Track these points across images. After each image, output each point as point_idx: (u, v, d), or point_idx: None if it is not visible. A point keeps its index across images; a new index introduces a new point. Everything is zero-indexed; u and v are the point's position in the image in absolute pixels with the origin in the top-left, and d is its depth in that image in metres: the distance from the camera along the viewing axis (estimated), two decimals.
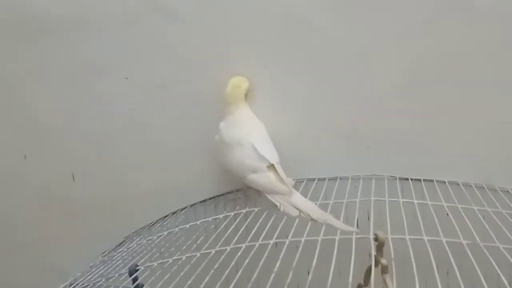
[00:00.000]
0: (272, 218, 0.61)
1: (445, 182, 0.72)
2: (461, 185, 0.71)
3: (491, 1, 0.69)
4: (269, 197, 0.65)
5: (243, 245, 0.53)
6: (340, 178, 0.75)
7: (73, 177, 0.87)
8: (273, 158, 0.68)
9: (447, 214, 0.60)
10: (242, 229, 0.59)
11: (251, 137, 0.69)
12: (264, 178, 0.66)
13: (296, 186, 0.71)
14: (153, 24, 0.78)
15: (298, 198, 0.64)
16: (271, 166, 0.67)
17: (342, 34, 0.74)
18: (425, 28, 0.72)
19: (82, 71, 0.82)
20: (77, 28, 0.80)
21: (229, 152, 0.70)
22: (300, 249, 0.50)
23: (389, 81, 0.74)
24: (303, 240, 0.51)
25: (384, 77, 0.74)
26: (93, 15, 0.79)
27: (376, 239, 0.48)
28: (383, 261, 0.47)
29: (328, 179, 0.75)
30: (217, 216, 0.68)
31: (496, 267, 0.44)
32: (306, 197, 0.67)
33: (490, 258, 0.46)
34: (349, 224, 0.56)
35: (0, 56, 0.83)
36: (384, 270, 0.46)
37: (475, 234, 0.52)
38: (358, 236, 0.52)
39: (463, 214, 0.59)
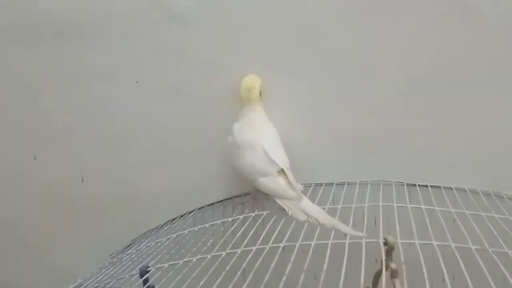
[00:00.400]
0: (281, 222, 0.61)
1: (452, 189, 0.72)
2: (468, 192, 0.71)
3: (493, 4, 0.70)
4: (278, 201, 0.65)
5: (254, 248, 0.53)
6: (348, 183, 0.76)
7: (82, 179, 0.87)
8: (284, 163, 0.68)
9: (454, 220, 0.61)
10: (251, 232, 0.60)
11: (263, 140, 0.69)
12: (274, 183, 0.66)
13: (303, 191, 0.71)
14: (164, 28, 0.78)
15: (306, 204, 0.64)
16: (282, 171, 0.67)
17: (351, 40, 0.75)
18: (432, 32, 0.72)
19: (92, 74, 0.82)
20: (88, 31, 0.81)
21: (240, 154, 0.70)
22: (310, 253, 0.50)
23: (397, 87, 0.75)
24: (313, 244, 0.52)
25: (393, 83, 0.75)
26: (105, 18, 0.80)
27: (385, 243, 0.49)
28: (393, 265, 0.47)
29: (336, 184, 0.76)
30: (226, 219, 0.68)
31: (506, 273, 0.44)
32: (314, 201, 0.67)
33: (499, 263, 0.47)
34: (357, 229, 0.56)
35: (12, 59, 0.84)
36: (394, 274, 0.47)
37: (483, 239, 0.52)
38: (368, 240, 0.52)
39: (471, 220, 0.59)
